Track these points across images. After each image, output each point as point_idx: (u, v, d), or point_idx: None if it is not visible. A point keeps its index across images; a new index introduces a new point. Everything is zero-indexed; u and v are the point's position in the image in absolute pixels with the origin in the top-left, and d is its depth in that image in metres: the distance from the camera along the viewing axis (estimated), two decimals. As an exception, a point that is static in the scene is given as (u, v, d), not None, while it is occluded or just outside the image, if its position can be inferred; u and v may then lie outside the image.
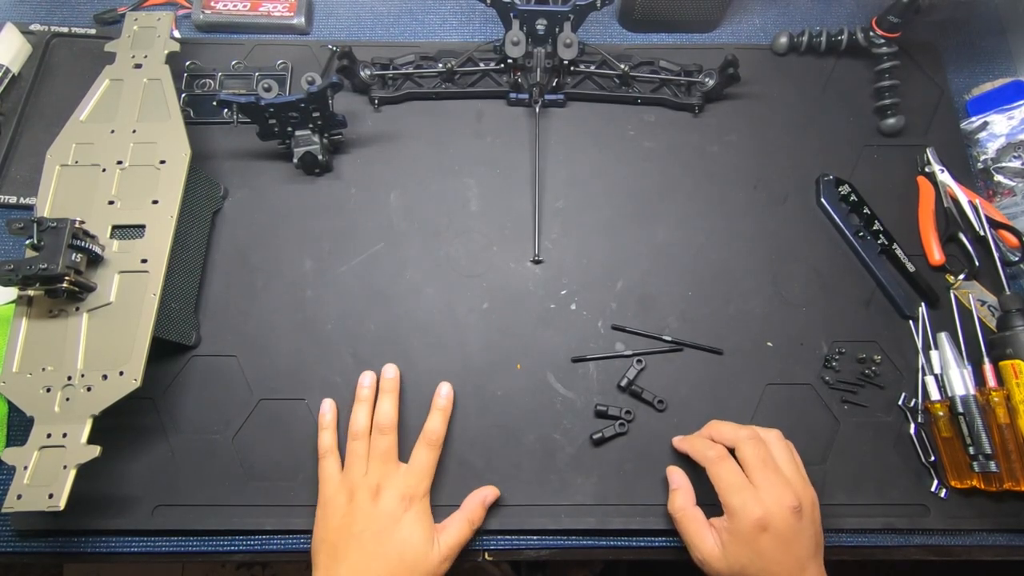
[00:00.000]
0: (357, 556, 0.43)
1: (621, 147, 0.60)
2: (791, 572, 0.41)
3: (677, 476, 0.48)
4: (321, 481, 0.47)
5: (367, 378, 0.51)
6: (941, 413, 0.50)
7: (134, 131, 0.49)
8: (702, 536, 0.44)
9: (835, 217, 0.57)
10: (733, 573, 0.42)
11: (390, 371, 0.51)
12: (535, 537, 0.49)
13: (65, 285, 0.42)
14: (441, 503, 0.48)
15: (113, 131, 0.49)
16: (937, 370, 0.52)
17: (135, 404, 0.47)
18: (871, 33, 0.60)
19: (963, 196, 0.57)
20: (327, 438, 0.49)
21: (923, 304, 0.55)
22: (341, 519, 0.44)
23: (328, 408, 0.50)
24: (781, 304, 0.55)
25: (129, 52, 0.53)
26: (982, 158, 0.60)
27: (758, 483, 0.43)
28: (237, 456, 0.50)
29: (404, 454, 0.48)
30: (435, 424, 0.49)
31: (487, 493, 0.48)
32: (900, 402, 0.52)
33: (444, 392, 0.50)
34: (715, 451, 0.45)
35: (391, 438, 0.48)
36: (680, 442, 0.49)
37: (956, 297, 0.55)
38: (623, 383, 0.52)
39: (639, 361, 0.52)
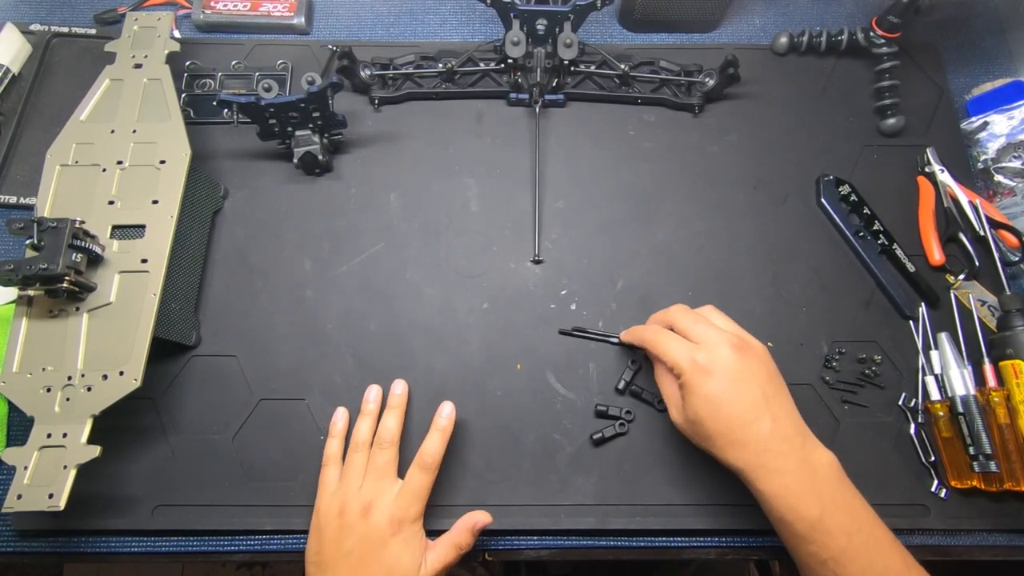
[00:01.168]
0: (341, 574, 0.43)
1: (621, 147, 0.60)
2: (751, 411, 0.41)
3: (646, 352, 0.50)
4: (319, 488, 0.47)
5: (373, 392, 0.50)
6: (941, 413, 0.50)
7: (134, 131, 0.49)
8: (670, 397, 0.45)
9: (835, 217, 0.57)
10: (693, 427, 0.43)
11: (399, 387, 0.50)
12: (535, 537, 0.49)
13: (65, 285, 0.42)
14: (441, 503, 0.48)
15: (113, 131, 0.49)
16: (937, 370, 0.52)
17: (135, 404, 0.47)
18: (871, 33, 0.60)
19: (963, 196, 0.57)
20: (334, 446, 0.48)
21: (923, 304, 0.55)
22: (333, 533, 0.44)
23: (340, 416, 0.50)
24: (781, 304, 0.55)
25: (129, 52, 0.53)
26: (982, 158, 0.60)
27: (695, 337, 0.44)
28: (237, 456, 0.50)
29: (404, 469, 0.47)
30: (432, 445, 0.46)
31: (478, 519, 0.46)
32: (900, 402, 0.52)
33: (446, 412, 0.48)
34: (650, 329, 0.47)
35: (391, 453, 0.47)
36: (625, 335, 0.51)
37: (956, 297, 0.55)
38: (620, 385, 0.52)
39: (633, 362, 0.52)
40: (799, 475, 0.40)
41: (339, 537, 0.44)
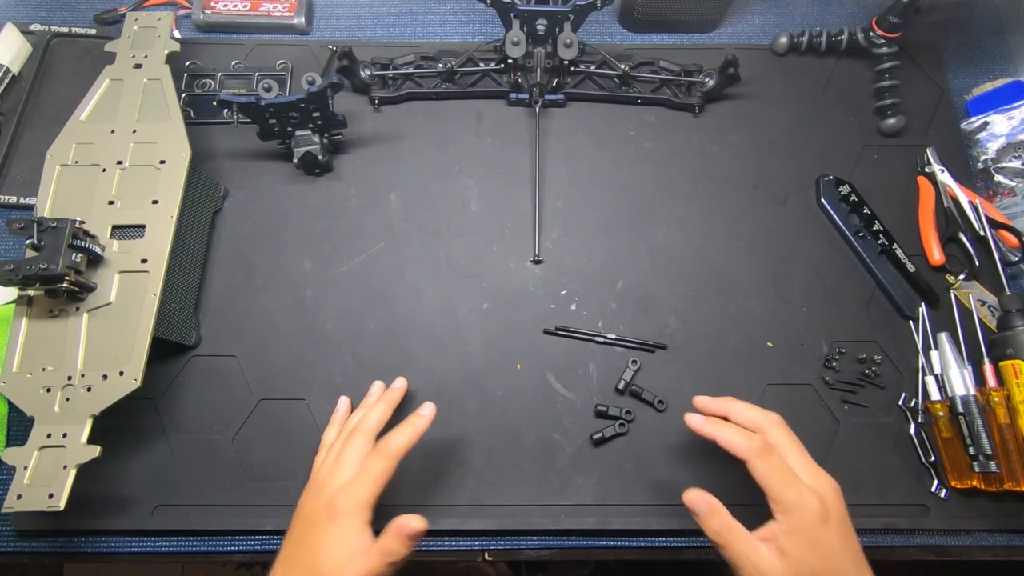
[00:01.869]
0: (286, 552, 0.41)
1: (621, 147, 0.60)
2: (855, 563, 0.38)
3: (701, 498, 0.41)
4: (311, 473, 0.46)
5: (376, 386, 0.51)
6: (941, 413, 0.50)
7: (134, 131, 0.49)
8: (756, 551, 0.38)
9: (835, 217, 0.57)
10: None
11: (399, 382, 0.50)
12: (535, 537, 0.49)
13: (65, 285, 0.42)
14: (440, 503, 0.48)
15: (113, 131, 0.49)
16: (937, 370, 0.52)
17: (135, 404, 0.47)
18: (871, 33, 0.60)
19: (963, 196, 0.57)
20: (331, 435, 0.48)
21: (923, 304, 0.55)
22: (298, 512, 0.43)
23: (342, 404, 0.50)
24: (781, 304, 0.55)
25: (129, 52, 0.53)
26: (982, 158, 0.60)
27: (802, 472, 0.39)
28: (237, 456, 0.50)
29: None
30: (399, 435, 0.43)
31: (407, 523, 0.40)
32: (900, 402, 0.52)
33: (426, 412, 0.45)
34: (757, 442, 0.39)
35: (363, 439, 0.44)
36: (703, 426, 0.42)
37: (956, 297, 0.55)
38: (620, 385, 0.51)
39: (634, 362, 0.52)
40: None
41: (298, 515, 0.42)
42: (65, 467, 0.40)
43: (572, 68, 0.59)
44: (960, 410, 0.49)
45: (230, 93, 0.54)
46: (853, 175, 0.59)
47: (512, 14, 0.54)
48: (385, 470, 0.41)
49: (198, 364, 0.52)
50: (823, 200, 0.58)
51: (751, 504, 0.48)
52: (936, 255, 0.56)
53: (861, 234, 0.56)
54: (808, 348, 0.54)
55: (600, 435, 0.50)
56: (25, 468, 0.41)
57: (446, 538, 0.49)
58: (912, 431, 0.51)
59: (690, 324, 0.54)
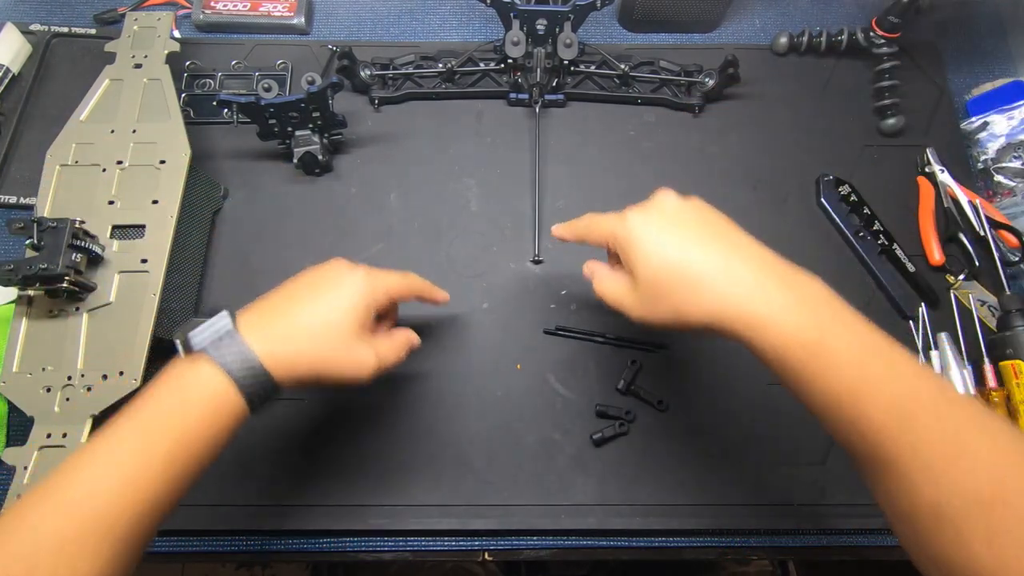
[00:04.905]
0: (261, 305, 0.39)
1: (621, 147, 0.60)
2: (712, 249, 0.34)
3: (588, 266, 0.43)
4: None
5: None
6: (941, 413, 0.50)
7: (134, 131, 0.49)
8: (616, 289, 0.38)
9: (835, 217, 0.57)
10: (652, 291, 0.35)
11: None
12: (535, 537, 0.49)
13: (65, 285, 0.42)
14: (440, 503, 0.48)
15: (113, 131, 0.49)
16: (937, 370, 0.52)
17: (135, 404, 0.47)
18: (871, 33, 0.60)
19: (963, 196, 0.57)
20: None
21: (923, 304, 0.55)
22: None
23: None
24: (781, 304, 0.55)
25: (129, 52, 0.53)
26: (982, 158, 0.60)
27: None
28: (237, 456, 0.50)
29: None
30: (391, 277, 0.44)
31: (414, 340, 0.43)
32: (900, 402, 0.52)
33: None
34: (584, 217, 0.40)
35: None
36: (557, 229, 0.44)
37: (956, 297, 0.55)
38: (620, 385, 0.51)
39: (633, 362, 0.52)
40: (785, 300, 0.33)
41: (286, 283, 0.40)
42: (65, 467, 0.40)
43: (572, 68, 0.59)
44: (960, 410, 0.49)
45: (230, 93, 0.54)
46: (853, 175, 0.59)
47: (512, 14, 0.54)
48: (393, 283, 0.41)
49: (198, 364, 0.52)
50: (823, 200, 0.58)
51: (751, 504, 0.49)
52: (936, 255, 0.56)
53: (861, 234, 0.56)
54: (808, 348, 0.54)
55: (600, 435, 0.50)
56: (25, 468, 0.41)
57: (446, 538, 0.49)
58: (912, 431, 0.51)
59: (690, 324, 0.54)
